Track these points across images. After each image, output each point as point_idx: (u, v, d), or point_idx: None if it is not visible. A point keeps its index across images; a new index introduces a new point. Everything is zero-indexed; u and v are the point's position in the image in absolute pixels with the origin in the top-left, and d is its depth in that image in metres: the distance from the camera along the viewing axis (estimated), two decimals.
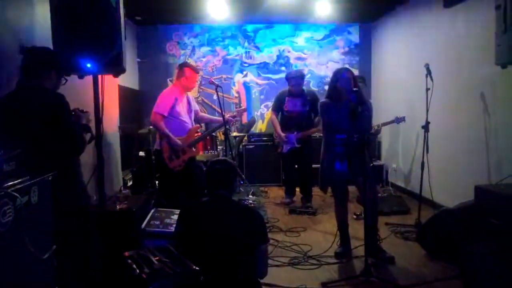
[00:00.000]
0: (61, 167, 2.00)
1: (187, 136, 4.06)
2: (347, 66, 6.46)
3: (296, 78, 5.06)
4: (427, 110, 4.05)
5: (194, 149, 4.11)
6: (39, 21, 2.86)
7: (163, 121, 3.95)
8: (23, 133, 2.11)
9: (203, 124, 4.97)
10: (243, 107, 6.54)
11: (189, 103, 4.22)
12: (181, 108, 4.08)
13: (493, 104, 3.81)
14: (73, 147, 2.31)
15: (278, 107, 5.22)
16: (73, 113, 2.41)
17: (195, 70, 4.20)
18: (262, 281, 2.32)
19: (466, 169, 4.23)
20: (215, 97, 6.42)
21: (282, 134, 5.06)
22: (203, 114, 4.73)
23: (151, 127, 4.91)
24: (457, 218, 3.10)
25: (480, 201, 2.80)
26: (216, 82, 4.25)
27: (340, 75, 3.31)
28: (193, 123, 4.26)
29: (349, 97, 3.18)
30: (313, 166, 4.86)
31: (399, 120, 4.87)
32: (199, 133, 4.20)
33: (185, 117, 4.11)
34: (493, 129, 3.80)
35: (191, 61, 6.74)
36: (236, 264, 2.12)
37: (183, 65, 4.18)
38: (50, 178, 1.77)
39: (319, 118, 4.61)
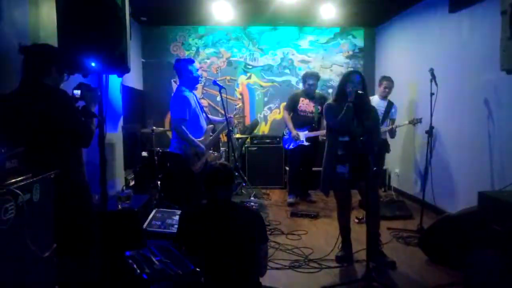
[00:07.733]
0: (63, 166, 2.00)
1: (204, 137, 3.90)
2: (351, 69, 6.45)
3: (312, 78, 5.26)
4: (431, 115, 4.03)
5: (210, 151, 4.03)
6: (45, 20, 2.87)
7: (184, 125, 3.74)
8: (26, 131, 2.11)
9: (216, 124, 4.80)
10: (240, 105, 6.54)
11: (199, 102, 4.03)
12: (198, 110, 3.90)
13: (497, 110, 3.79)
14: (80, 141, 2.32)
15: (291, 107, 5.37)
16: (79, 92, 2.44)
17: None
18: (262, 284, 2.31)
19: (469, 175, 4.21)
20: (218, 98, 6.44)
21: (295, 132, 5.21)
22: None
23: (154, 127, 4.91)
24: (460, 224, 3.08)
25: (484, 208, 2.78)
26: (220, 84, 4.22)
27: (350, 78, 3.28)
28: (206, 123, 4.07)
29: (353, 100, 3.15)
30: (316, 169, 4.85)
31: (415, 121, 4.72)
32: (211, 134, 4.05)
33: (201, 118, 3.93)
34: (497, 135, 3.79)
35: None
36: (237, 265, 2.12)
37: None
38: (52, 176, 1.77)
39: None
